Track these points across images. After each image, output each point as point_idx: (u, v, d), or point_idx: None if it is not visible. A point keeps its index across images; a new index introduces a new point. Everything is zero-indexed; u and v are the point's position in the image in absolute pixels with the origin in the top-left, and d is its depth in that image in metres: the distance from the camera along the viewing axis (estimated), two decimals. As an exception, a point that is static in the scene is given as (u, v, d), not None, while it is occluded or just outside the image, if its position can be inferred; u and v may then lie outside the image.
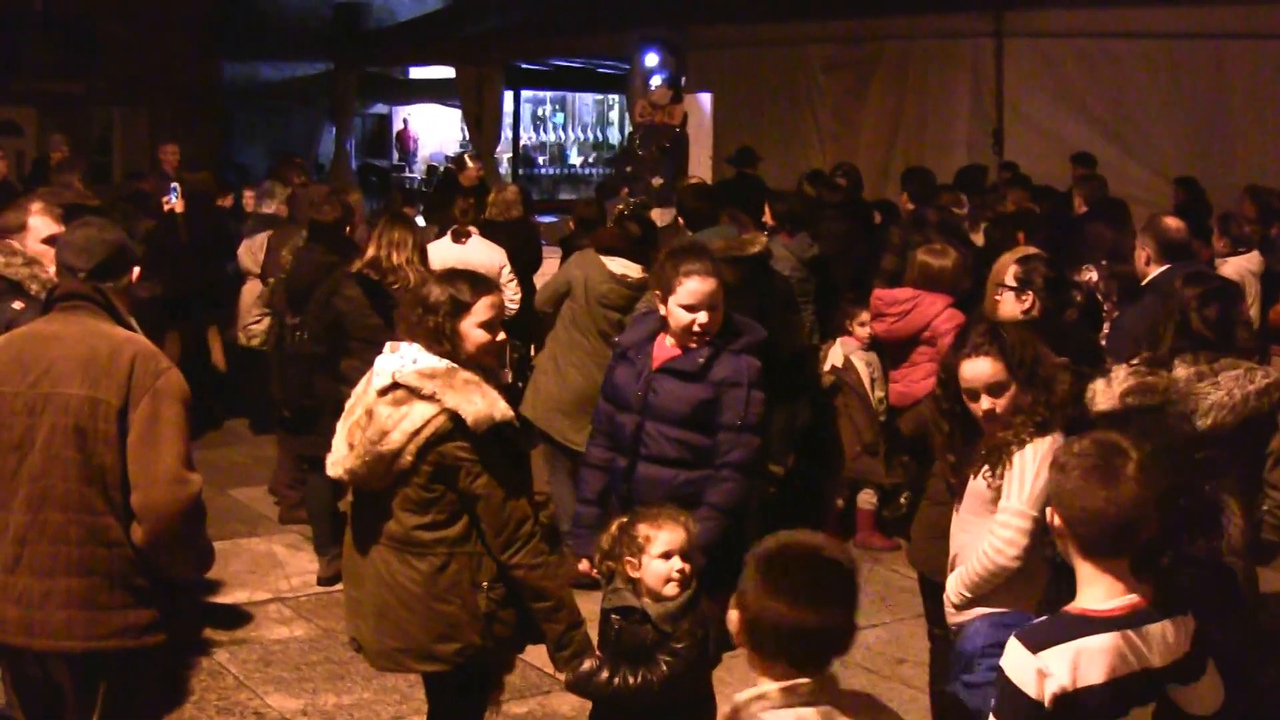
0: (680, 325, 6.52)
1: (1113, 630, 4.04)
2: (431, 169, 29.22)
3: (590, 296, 9.92)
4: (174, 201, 12.90)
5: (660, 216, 14.82)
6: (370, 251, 8.87)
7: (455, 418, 5.47)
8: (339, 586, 9.54)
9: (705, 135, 18.82)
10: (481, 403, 5.49)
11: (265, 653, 8.69)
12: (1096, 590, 4.12)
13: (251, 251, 12.31)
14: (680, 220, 10.56)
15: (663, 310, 6.61)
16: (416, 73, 30.77)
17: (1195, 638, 4.22)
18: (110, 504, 5.12)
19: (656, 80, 18.63)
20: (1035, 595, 5.52)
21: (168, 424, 5.09)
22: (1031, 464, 5.59)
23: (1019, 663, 4.00)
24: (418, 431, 5.51)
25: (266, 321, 11.13)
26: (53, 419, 5.10)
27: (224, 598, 9.58)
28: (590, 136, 31.66)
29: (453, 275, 5.93)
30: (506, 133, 27.14)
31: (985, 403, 5.70)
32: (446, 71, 27.41)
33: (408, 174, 30.77)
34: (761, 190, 13.49)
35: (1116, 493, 4.01)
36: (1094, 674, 3.98)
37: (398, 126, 32.68)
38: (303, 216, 11.02)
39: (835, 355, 10.66)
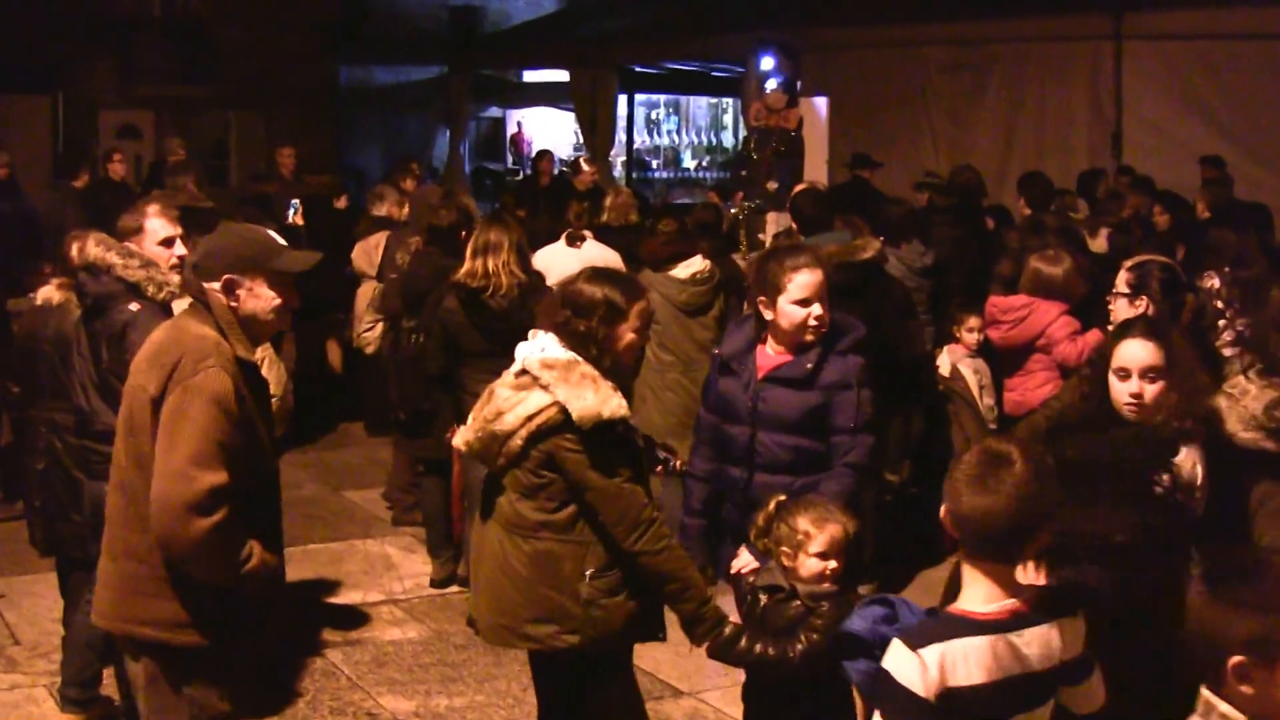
0: (795, 322, 6.45)
1: (988, 634, 4.05)
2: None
3: (671, 313, 9.86)
4: (292, 218, 13.02)
5: (775, 221, 14.75)
6: (467, 260, 8.82)
7: (565, 411, 5.49)
8: (452, 589, 9.67)
9: (821, 139, 18.66)
10: (592, 399, 5.49)
11: (378, 654, 8.72)
12: (976, 592, 4.13)
13: (366, 254, 12.37)
14: (794, 225, 10.46)
15: (769, 314, 6.54)
16: (531, 76, 30.87)
17: (1086, 639, 4.25)
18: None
19: (772, 83, 18.53)
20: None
21: (189, 420, 5.00)
22: None
23: (901, 661, 4.02)
24: (530, 418, 5.57)
25: (380, 328, 11.14)
26: (124, 407, 5.35)
27: (338, 598, 9.67)
28: (704, 140, 31.67)
29: (604, 276, 5.93)
30: (620, 136, 27.15)
31: (1135, 384, 5.59)
32: (561, 75, 27.47)
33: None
34: (873, 195, 13.41)
35: (993, 501, 4.01)
36: (975, 674, 4.00)
37: (511, 130, 32.80)
38: (417, 219, 11.05)
39: (943, 363, 10.56)
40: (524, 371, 5.67)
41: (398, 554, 10.55)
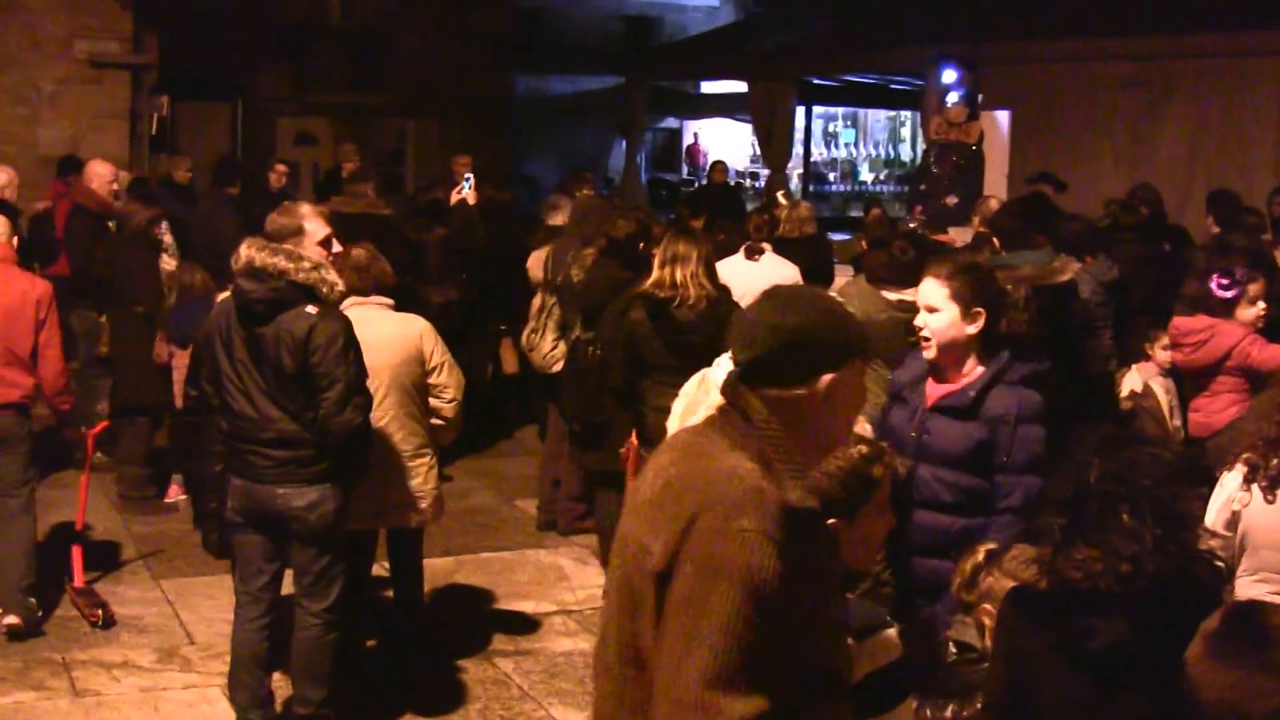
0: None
1: None
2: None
3: (869, 329, 9.65)
4: (466, 192, 13.00)
5: (957, 236, 14.57)
6: (654, 270, 8.71)
7: None
8: (624, 601, 9.58)
9: (1002, 153, 18.50)
10: None
11: (550, 664, 8.69)
12: None
13: (541, 263, 12.35)
14: (995, 240, 10.27)
15: None
16: (707, 87, 30.90)
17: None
18: None
19: (952, 97, 18.41)
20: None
21: (710, 614, 3.26)
22: None
23: None
24: None
25: (554, 345, 11.02)
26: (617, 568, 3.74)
27: (509, 608, 9.64)
28: (882, 153, 31.50)
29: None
30: (797, 149, 27.05)
31: None
32: (738, 86, 27.42)
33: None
34: (1051, 211, 13.17)
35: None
36: None
37: (688, 140, 32.83)
38: (586, 230, 10.98)
39: (1133, 380, 10.34)
40: None
41: (570, 564, 10.52)
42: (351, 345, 6.90)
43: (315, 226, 7.18)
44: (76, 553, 9.67)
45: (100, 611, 9.17)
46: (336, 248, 7.27)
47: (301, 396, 6.85)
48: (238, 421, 7.04)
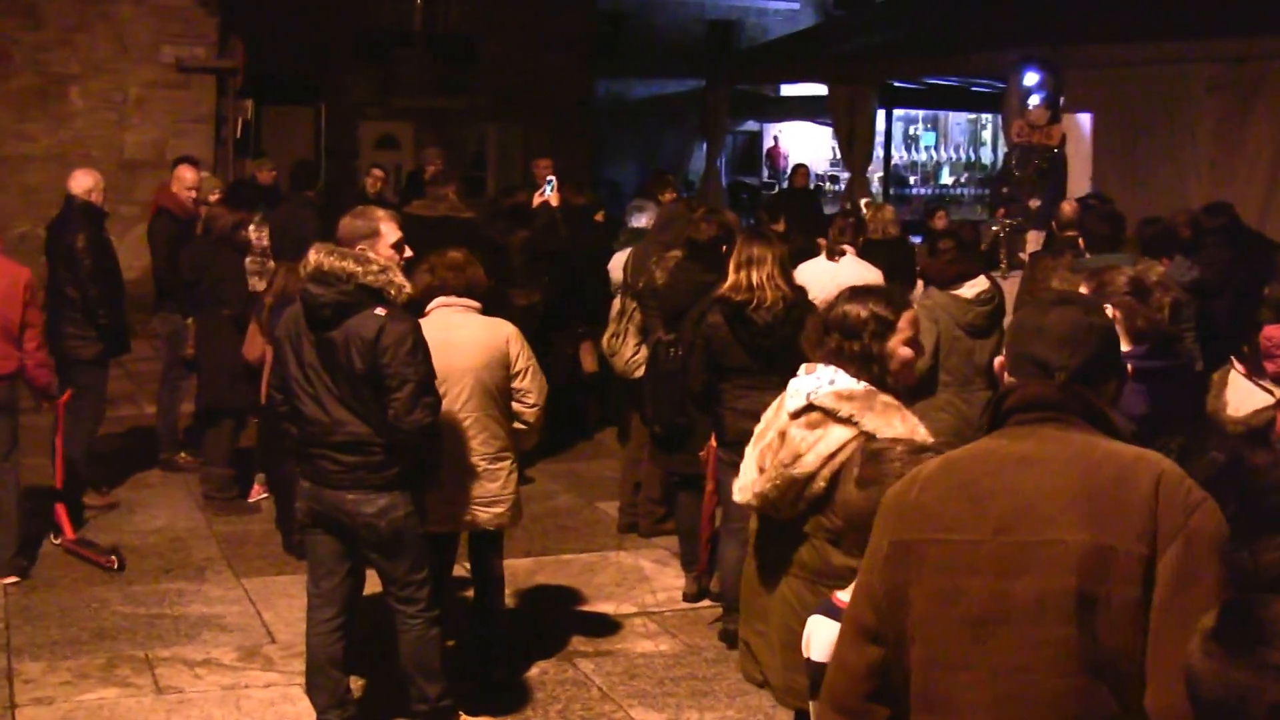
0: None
1: (837, 621, 4.06)
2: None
3: (954, 333, 9.61)
4: (548, 194, 13.04)
5: (1035, 240, 14.52)
6: (730, 274, 8.68)
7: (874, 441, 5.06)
8: (705, 603, 9.62)
9: (1084, 156, 18.35)
10: (902, 427, 5.21)
11: (630, 666, 8.70)
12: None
13: (622, 265, 12.37)
14: (1080, 242, 10.23)
15: None
16: (788, 90, 30.83)
17: None
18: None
19: (1034, 100, 18.29)
20: None
21: (1202, 587, 3.29)
22: None
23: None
24: (832, 455, 5.27)
25: (636, 350, 11.00)
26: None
27: (590, 609, 9.67)
28: (963, 156, 31.36)
29: (865, 293, 5.69)
30: (878, 151, 26.97)
31: None
32: (818, 89, 27.37)
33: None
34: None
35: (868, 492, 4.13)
36: (818, 652, 4.28)
37: (768, 144, 32.81)
38: (670, 234, 10.99)
39: (1235, 384, 10.19)
40: (810, 407, 5.40)
41: (651, 566, 10.53)
42: (420, 346, 6.91)
43: (389, 230, 7.19)
44: (60, 510, 10.48)
45: (114, 556, 10.11)
46: (408, 252, 7.28)
47: (372, 398, 6.88)
48: (307, 426, 7.06)
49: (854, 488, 4.22)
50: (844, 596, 4.29)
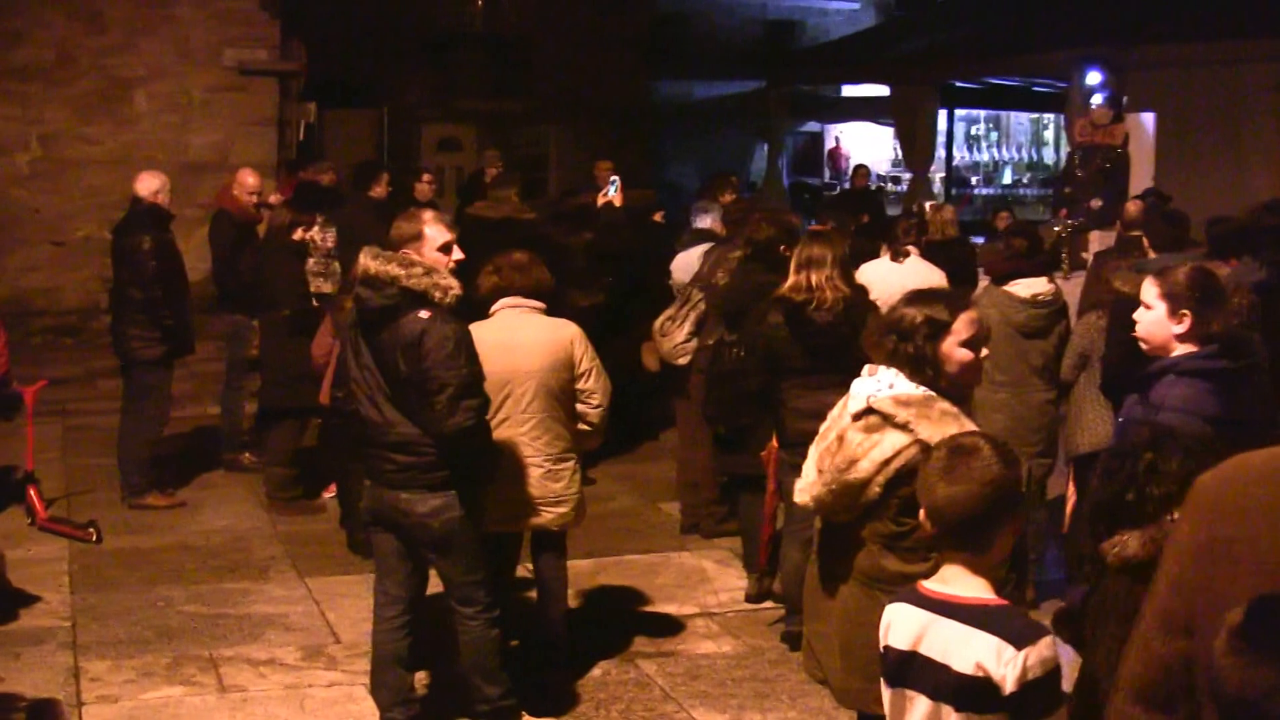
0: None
1: (921, 609, 4.25)
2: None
3: (1006, 332, 9.51)
4: (612, 195, 13.05)
5: (1099, 240, 14.44)
6: (790, 274, 8.66)
7: (929, 450, 4.84)
8: (767, 604, 9.59)
9: (1147, 156, 18.26)
10: None
11: (692, 666, 8.69)
12: (943, 571, 4.31)
13: (686, 267, 12.35)
14: (1145, 241, 10.16)
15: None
16: (849, 91, 30.77)
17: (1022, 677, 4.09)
18: None
19: (1097, 99, 18.21)
20: None
21: None
22: None
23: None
24: (887, 461, 5.25)
25: (688, 338, 10.99)
26: None
27: (652, 610, 9.66)
28: (1025, 156, 31.21)
29: (923, 296, 5.67)
30: (940, 152, 26.89)
31: None
32: (879, 90, 27.31)
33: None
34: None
35: (956, 490, 4.15)
36: (898, 639, 4.29)
37: (829, 144, 32.73)
38: (735, 234, 10.99)
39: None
40: (869, 410, 5.38)
41: (712, 567, 10.51)
42: (463, 348, 6.91)
43: (435, 232, 7.20)
44: (33, 492, 10.81)
45: (92, 529, 10.56)
46: (458, 254, 7.28)
47: (418, 400, 6.90)
48: (366, 426, 7.13)
49: (943, 486, 4.18)
50: (930, 585, 4.30)
